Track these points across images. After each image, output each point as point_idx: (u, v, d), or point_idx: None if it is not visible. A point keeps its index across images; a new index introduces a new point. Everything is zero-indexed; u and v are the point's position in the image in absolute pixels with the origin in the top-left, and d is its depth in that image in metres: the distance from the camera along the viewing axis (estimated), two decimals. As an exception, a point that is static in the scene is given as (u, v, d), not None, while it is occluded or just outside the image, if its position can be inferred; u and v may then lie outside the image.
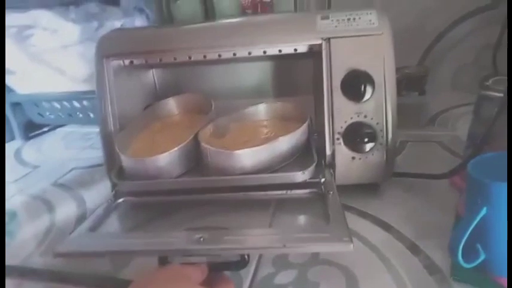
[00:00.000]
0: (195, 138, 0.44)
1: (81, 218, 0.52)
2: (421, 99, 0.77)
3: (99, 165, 0.66)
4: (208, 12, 0.86)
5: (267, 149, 0.42)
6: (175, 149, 0.43)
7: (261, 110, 0.52)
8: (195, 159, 0.45)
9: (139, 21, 0.78)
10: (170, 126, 0.53)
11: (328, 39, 0.44)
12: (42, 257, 0.45)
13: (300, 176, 0.41)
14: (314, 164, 0.42)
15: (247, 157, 0.42)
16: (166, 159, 0.43)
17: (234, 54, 0.48)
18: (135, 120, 0.51)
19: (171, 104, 0.56)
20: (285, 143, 0.43)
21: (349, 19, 0.45)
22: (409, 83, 0.75)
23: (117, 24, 0.74)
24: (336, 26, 0.44)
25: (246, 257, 0.33)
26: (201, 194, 0.44)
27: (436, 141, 0.64)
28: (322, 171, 0.43)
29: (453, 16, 0.80)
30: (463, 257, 0.32)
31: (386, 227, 0.43)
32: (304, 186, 0.42)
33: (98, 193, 0.58)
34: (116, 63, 0.50)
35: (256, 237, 0.33)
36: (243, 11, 0.84)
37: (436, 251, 0.38)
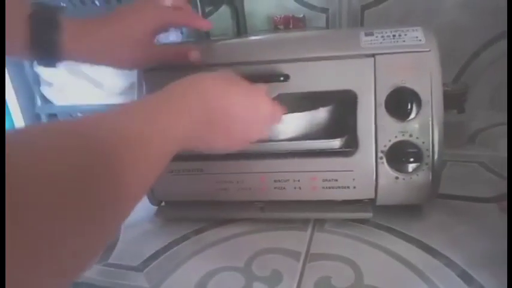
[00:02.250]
0: None
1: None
2: (460, 117, 0.75)
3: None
4: (240, 28, 0.87)
5: (305, 116, 0.48)
6: None
7: None
8: None
9: (173, 36, 0.79)
10: None
11: (373, 56, 0.43)
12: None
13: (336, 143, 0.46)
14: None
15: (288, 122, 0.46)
16: None
17: (274, 71, 0.47)
18: None
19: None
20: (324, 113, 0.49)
21: (394, 35, 0.44)
22: (448, 100, 0.73)
23: (153, 38, 0.75)
24: (381, 43, 0.43)
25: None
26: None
27: (478, 161, 0.61)
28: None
29: (489, 34, 0.78)
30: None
31: (433, 252, 0.41)
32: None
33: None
34: (155, 76, 0.51)
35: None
36: (275, 27, 0.84)
37: (491, 281, 0.35)
